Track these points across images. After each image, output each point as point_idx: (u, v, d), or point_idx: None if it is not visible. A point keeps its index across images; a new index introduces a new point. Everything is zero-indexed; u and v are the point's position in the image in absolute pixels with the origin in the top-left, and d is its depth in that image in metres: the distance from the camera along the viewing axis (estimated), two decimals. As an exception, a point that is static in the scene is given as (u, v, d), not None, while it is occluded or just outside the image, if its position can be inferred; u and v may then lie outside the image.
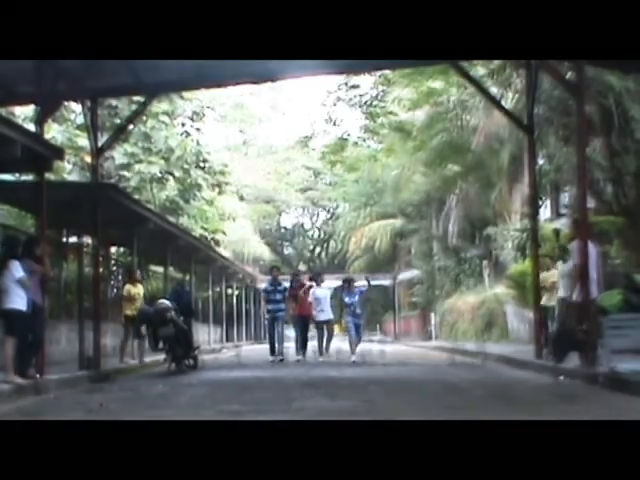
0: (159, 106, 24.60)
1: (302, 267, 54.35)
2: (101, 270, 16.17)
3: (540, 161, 20.29)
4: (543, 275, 14.23)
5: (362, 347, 17.48)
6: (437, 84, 28.20)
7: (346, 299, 17.43)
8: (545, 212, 25.44)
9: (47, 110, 13.15)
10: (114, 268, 23.65)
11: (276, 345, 17.48)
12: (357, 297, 17.43)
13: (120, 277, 22.30)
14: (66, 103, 19.52)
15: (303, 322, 17.81)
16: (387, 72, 29.59)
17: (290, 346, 18.39)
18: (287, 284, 18.28)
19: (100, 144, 15.26)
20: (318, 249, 65.51)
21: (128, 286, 16.13)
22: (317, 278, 18.38)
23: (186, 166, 26.12)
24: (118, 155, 23.73)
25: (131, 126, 22.43)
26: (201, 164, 27.37)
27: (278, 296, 17.69)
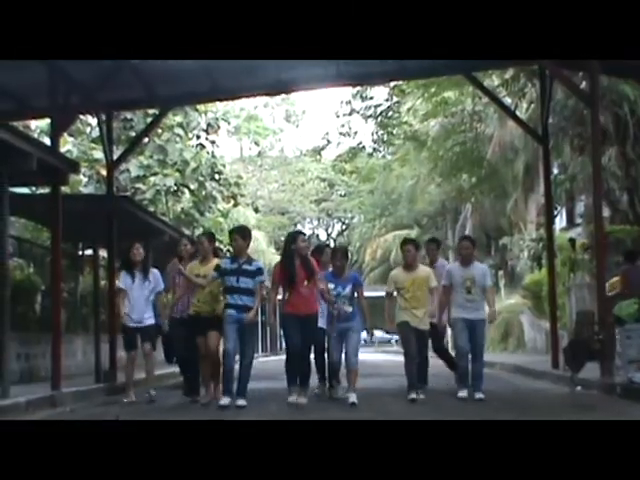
0: (173, 119, 24.67)
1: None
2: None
3: (555, 171, 20.24)
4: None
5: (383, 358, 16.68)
6: (451, 94, 28.20)
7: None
8: (560, 221, 25.38)
9: (62, 123, 13.21)
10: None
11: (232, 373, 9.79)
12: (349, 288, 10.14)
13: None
14: (81, 116, 19.62)
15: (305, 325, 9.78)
16: (401, 83, 29.60)
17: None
18: (260, 263, 10.29)
19: (115, 157, 15.34)
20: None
21: None
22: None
23: (201, 178, 26.13)
24: (133, 167, 23.77)
25: (146, 139, 22.52)
26: (216, 176, 27.37)
27: (242, 283, 9.71)
